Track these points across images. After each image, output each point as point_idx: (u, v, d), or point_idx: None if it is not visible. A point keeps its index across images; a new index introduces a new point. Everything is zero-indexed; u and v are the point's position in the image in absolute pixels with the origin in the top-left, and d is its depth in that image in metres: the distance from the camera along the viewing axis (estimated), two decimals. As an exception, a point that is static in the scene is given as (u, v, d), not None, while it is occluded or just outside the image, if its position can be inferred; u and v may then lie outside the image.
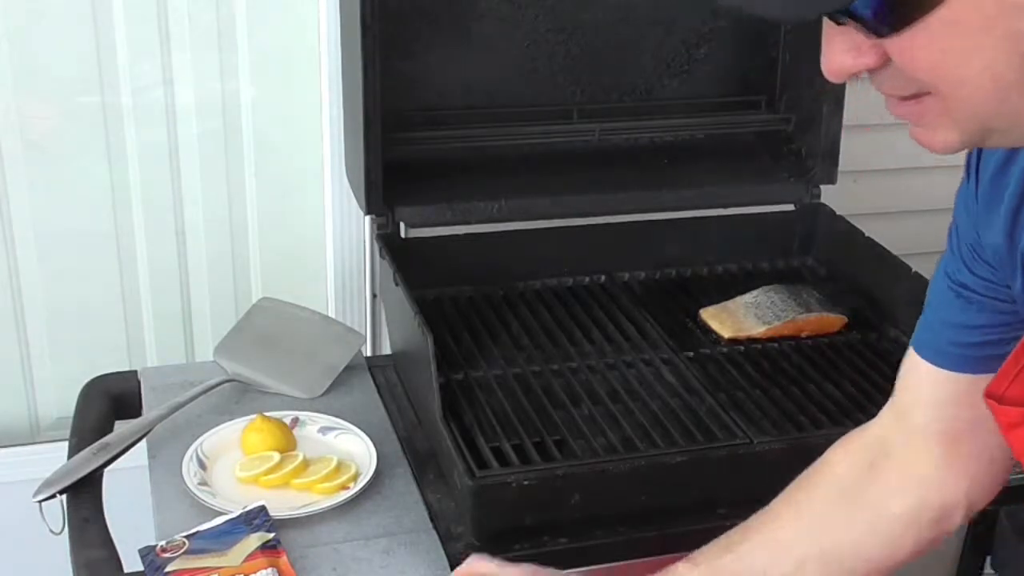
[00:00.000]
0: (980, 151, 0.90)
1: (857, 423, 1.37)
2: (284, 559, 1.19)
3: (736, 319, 1.59)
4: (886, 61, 0.67)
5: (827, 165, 1.74)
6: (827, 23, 0.67)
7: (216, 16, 1.77)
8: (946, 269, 0.97)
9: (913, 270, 1.55)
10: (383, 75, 1.53)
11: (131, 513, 1.32)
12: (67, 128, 1.77)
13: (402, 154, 1.62)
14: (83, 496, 1.29)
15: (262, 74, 1.82)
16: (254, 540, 1.19)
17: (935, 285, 0.99)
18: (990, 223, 0.88)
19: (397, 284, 1.50)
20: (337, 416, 1.45)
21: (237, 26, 1.78)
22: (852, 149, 1.81)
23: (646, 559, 1.27)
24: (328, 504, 1.28)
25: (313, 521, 1.26)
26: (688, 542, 1.27)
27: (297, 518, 1.26)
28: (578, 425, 1.37)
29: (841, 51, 0.67)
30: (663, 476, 1.28)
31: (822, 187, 1.76)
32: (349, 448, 1.39)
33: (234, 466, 1.35)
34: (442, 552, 1.23)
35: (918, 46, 0.64)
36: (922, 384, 0.99)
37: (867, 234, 1.67)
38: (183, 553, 1.19)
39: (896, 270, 1.58)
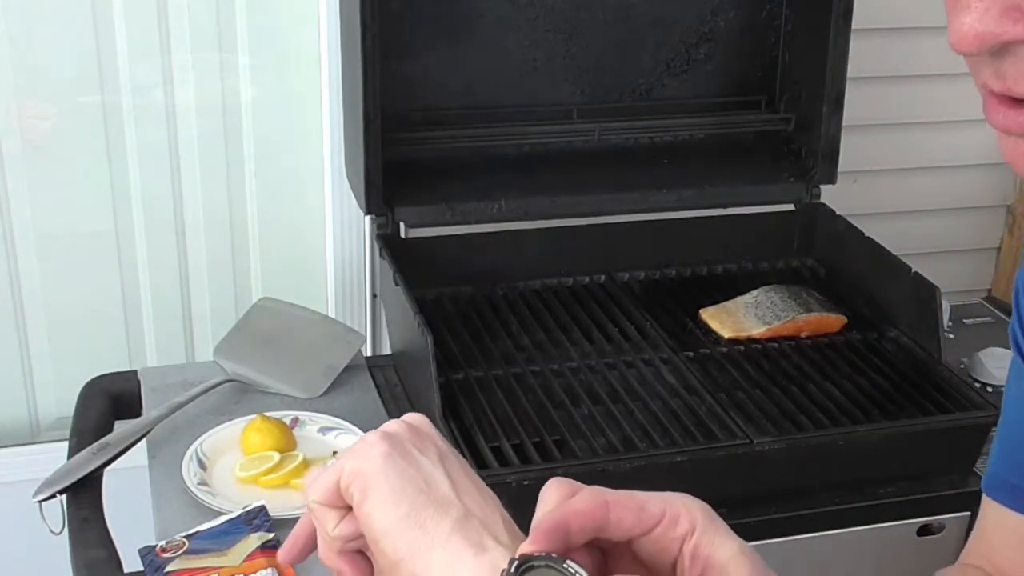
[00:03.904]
0: None
1: (857, 423, 1.39)
2: (284, 559, 1.18)
3: (736, 319, 1.59)
4: None
5: (827, 165, 1.74)
6: None
7: (216, 16, 1.77)
8: None
9: (913, 270, 1.55)
10: (383, 75, 1.53)
11: (131, 513, 1.31)
12: (67, 128, 1.77)
13: (402, 154, 1.62)
14: (83, 496, 1.29)
15: (262, 74, 1.82)
16: (254, 540, 1.19)
17: (1011, 403, 0.83)
18: None
19: (397, 284, 1.50)
20: (337, 416, 1.44)
21: (237, 26, 1.78)
22: (852, 149, 1.81)
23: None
24: (328, 504, 1.28)
25: (313, 521, 1.26)
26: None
27: (297, 518, 1.25)
28: (578, 425, 1.37)
29: (986, 10, 0.48)
30: (663, 476, 1.28)
31: (822, 187, 1.76)
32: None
33: (234, 466, 1.35)
34: (442, 552, 1.23)
35: None
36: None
37: (867, 234, 1.67)
38: (183, 553, 1.19)
39: (896, 270, 1.58)
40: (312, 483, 0.65)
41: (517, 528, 0.62)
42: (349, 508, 0.64)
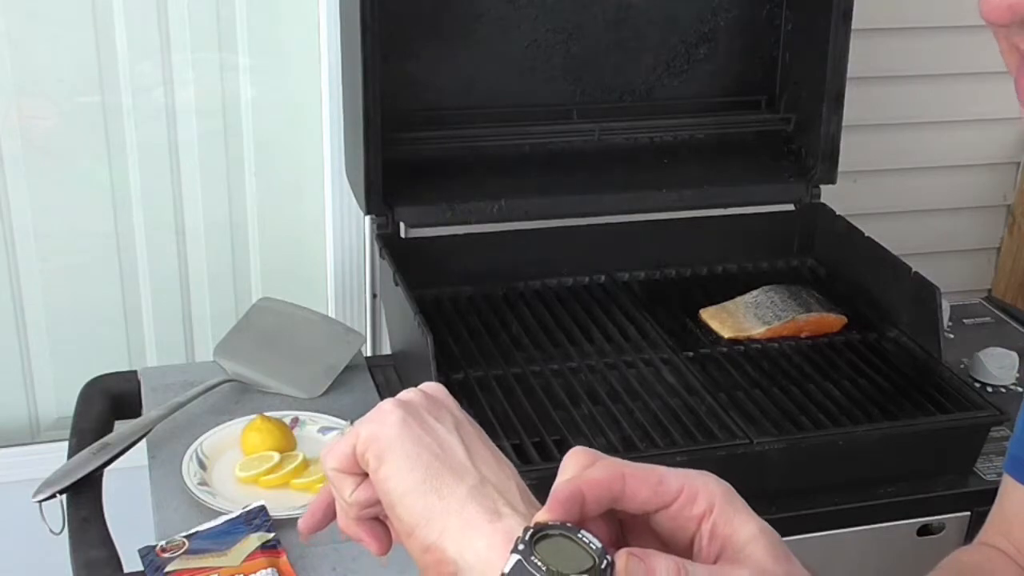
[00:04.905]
0: None
1: (857, 423, 1.39)
2: (284, 559, 1.19)
3: (736, 319, 1.59)
4: None
5: (827, 165, 1.74)
6: None
7: (216, 16, 1.77)
8: None
9: (913, 270, 1.55)
10: (383, 75, 1.53)
11: (131, 513, 1.32)
12: (67, 128, 1.77)
13: (402, 154, 1.62)
14: (83, 496, 1.29)
15: (262, 74, 1.82)
16: (254, 540, 1.20)
17: None
18: None
19: (397, 284, 1.50)
20: (337, 416, 1.44)
21: (237, 26, 1.78)
22: (852, 149, 1.81)
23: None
24: (328, 504, 1.28)
25: (313, 521, 1.26)
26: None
27: (297, 518, 1.25)
28: (578, 425, 1.37)
29: None
30: (663, 476, 1.28)
31: (822, 187, 1.76)
32: (349, 448, 1.38)
33: (234, 466, 1.35)
34: (442, 552, 1.23)
35: None
36: None
37: (867, 234, 1.67)
38: (183, 553, 1.19)
39: (896, 270, 1.58)
40: (329, 450, 0.65)
41: (533, 496, 0.62)
42: (366, 475, 0.64)
